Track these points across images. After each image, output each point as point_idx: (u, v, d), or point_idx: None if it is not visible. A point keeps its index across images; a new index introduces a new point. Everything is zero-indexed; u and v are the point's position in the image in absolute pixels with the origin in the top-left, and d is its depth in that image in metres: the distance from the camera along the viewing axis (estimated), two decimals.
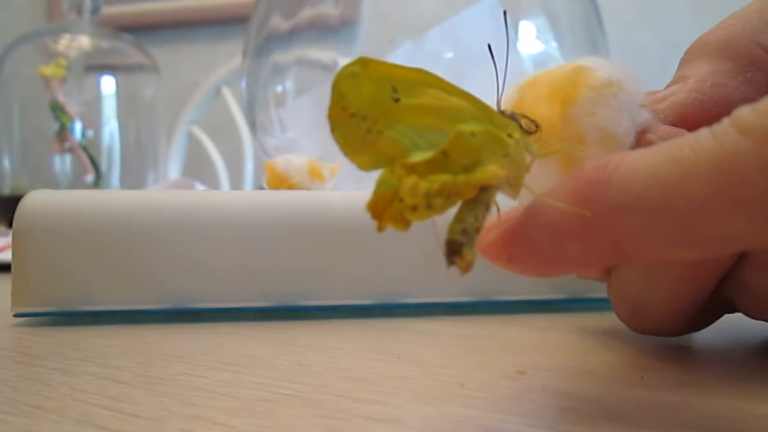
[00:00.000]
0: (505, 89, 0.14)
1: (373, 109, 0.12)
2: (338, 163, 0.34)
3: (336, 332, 0.20)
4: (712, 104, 0.16)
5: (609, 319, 0.22)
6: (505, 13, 0.17)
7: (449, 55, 0.41)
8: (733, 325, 0.18)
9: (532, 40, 0.45)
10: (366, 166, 0.12)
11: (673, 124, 0.16)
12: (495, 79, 0.14)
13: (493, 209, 0.13)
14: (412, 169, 0.12)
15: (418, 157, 0.12)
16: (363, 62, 0.12)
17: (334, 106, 0.12)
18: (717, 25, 0.17)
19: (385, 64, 0.12)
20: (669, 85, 0.17)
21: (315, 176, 0.33)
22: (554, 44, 0.45)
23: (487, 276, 0.23)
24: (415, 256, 0.23)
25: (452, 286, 0.23)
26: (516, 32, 0.42)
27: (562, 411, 0.13)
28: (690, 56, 0.17)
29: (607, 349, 0.18)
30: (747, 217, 0.10)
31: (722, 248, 0.11)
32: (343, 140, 0.12)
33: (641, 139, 0.15)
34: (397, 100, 0.12)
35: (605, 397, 0.13)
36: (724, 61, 0.16)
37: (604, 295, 0.24)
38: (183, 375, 0.15)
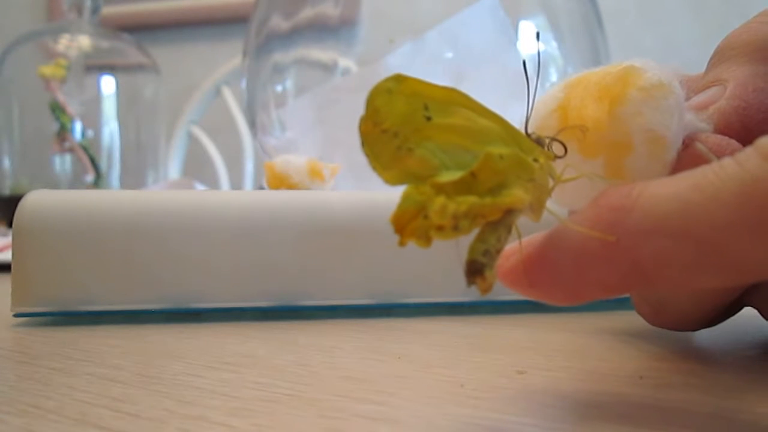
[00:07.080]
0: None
1: (404, 126, 0.12)
2: (338, 163, 0.34)
3: (336, 332, 0.20)
4: (754, 111, 0.15)
5: (609, 319, 0.22)
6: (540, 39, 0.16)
7: (449, 55, 0.41)
8: (733, 325, 0.18)
9: (531, 40, 0.45)
10: (393, 181, 0.12)
11: (717, 132, 0.15)
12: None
13: (514, 234, 0.13)
14: (441, 188, 0.12)
15: (447, 177, 0.12)
16: (398, 79, 0.12)
17: (367, 120, 0.12)
18: (746, 25, 0.16)
19: (418, 81, 0.12)
20: (705, 87, 0.16)
21: (315, 176, 0.33)
22: (554, 44, 0.45)
23: None
24: (415, 256, 0.23)
25: (452, 286, 0.23)
26: (516, 32, 0.42)
27: (562, 411, 0.13)
28: (723, 56, 0.16)
29: (607, 350, 0.18)
30: None
31: (746, 276, 0.11)
32: (372, 155, 0.12)
33: (689, 146, 0.14)
34: (428, 119, 0.12)
35: (605, 397, 0.13)
36: (762, 63, 0.15)
37: None
38: (183, 375, 0.15)
